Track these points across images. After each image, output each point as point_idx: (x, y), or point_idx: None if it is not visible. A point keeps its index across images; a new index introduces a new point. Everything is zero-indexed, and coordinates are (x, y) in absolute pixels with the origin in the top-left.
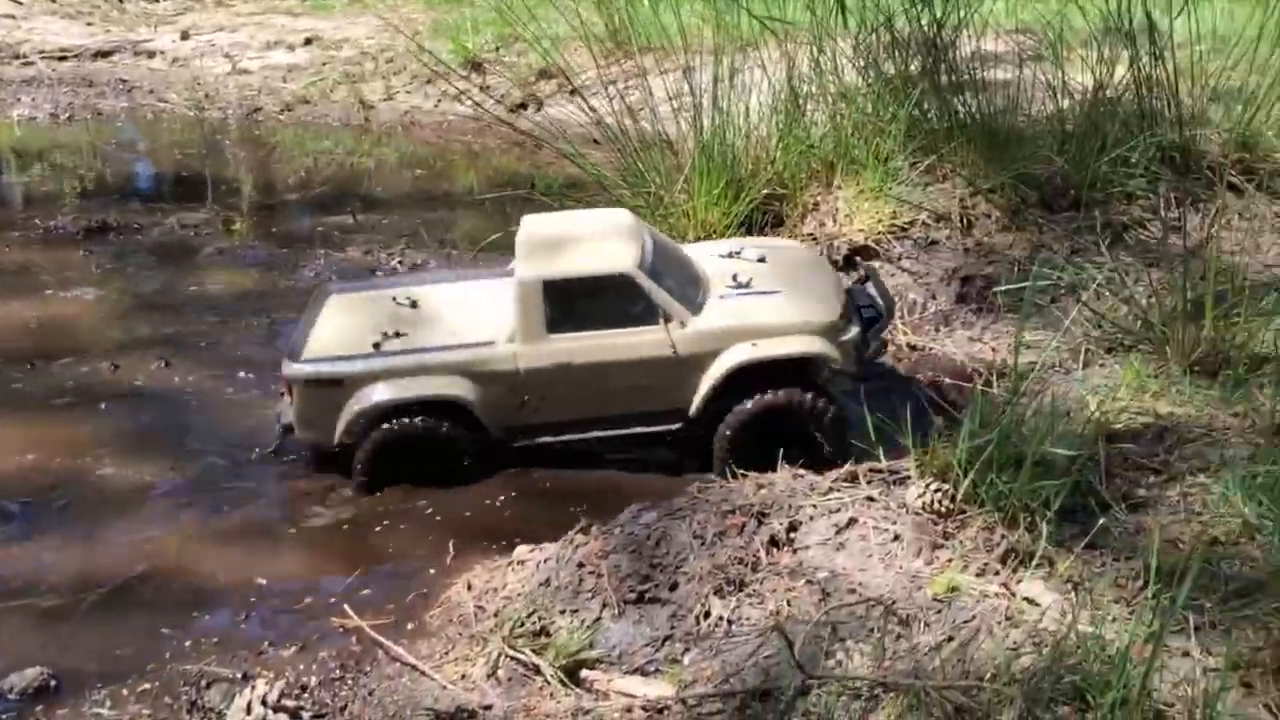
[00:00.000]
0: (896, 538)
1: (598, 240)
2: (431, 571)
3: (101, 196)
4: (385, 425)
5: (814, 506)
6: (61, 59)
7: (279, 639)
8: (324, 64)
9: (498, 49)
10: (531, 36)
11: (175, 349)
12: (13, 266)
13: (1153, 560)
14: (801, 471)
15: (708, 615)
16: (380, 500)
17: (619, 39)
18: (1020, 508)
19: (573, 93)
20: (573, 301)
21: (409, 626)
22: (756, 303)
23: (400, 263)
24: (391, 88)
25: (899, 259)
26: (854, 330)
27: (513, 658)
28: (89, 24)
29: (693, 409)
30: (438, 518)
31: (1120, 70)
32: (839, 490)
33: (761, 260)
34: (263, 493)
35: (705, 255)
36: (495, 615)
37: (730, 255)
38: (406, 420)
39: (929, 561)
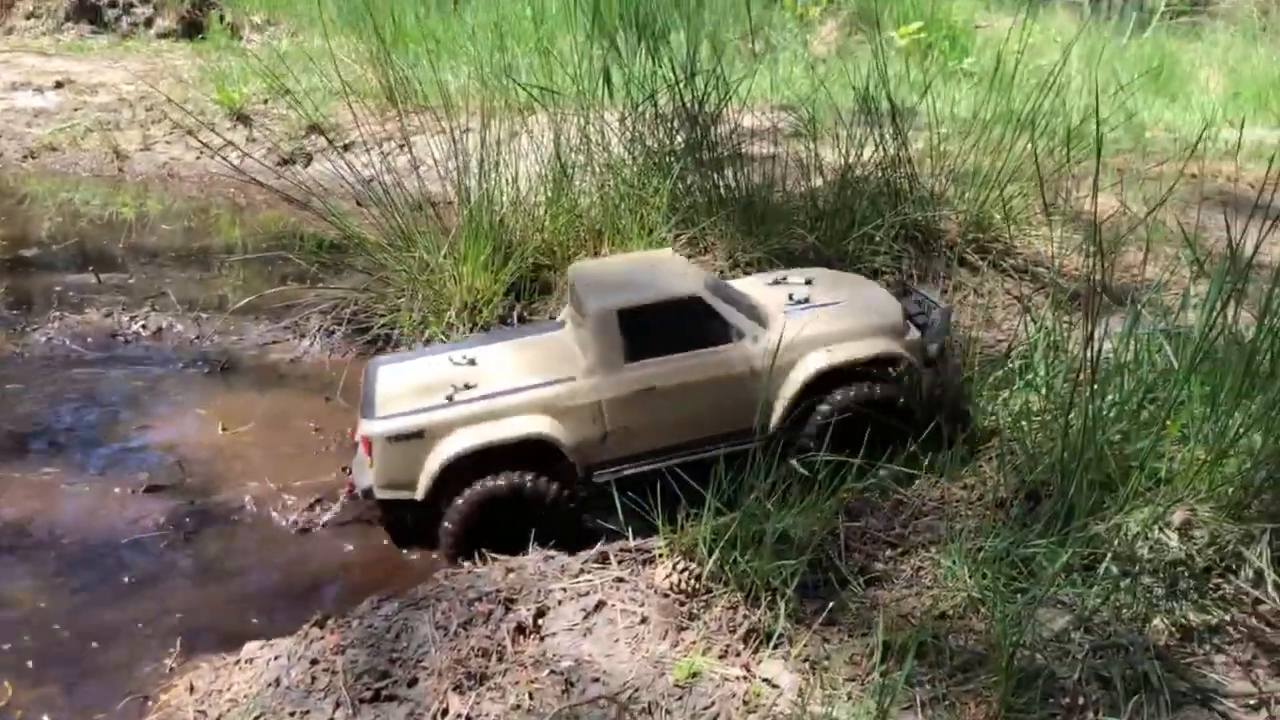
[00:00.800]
0: (644, 620)
1: (657, 270)
2: (150, 672)
3: None
4: (476, 484)
5: (564, 590)
6: None
7: None
8: (76, 109)
9: (266, 101)
10: (300, 91)
11: None
12: None
13: (879, 637)
14: (552, 553)
15: (446, 713)
16: (86, 590)
17: (393, 97)
18: (762, 585)
19: (345, 149)
20: (647, 328)
21: None
22: (820, 313)
23: (144, 326)
24: (150, 137)
25: None
26: (914, 332)
27: None
28: None
29: (773, 422)
30: (163, 610)
31: (869, 150)
32: (589, 571)
33: (809, 282)
34: None
35: (752, 287)
36: None
37: (776, 283)
38: (495, 480)
39: (675, 644)
